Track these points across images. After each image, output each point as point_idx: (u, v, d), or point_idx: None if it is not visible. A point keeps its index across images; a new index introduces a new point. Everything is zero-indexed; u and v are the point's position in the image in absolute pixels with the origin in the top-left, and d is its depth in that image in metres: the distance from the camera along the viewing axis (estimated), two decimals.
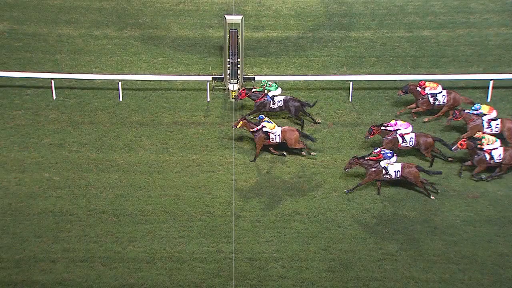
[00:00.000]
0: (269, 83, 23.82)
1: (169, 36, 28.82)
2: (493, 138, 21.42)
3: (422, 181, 20.69)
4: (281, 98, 23.65)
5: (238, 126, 22.26)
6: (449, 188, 21.10)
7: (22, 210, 20.15)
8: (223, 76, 25.71)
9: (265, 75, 26.07)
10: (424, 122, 23.75)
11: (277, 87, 23.81)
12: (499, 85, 25.29)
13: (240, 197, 20.75)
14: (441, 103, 23.77)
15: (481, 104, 22.86)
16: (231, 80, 25.20)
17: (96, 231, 19.43)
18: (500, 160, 21.22)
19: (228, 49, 25.25)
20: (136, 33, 29.00)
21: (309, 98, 25.14)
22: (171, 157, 22.38)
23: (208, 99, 25.17)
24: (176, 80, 25.97)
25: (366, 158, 20.79)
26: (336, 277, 18.07)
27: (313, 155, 22.29)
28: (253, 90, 23.82)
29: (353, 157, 20.88)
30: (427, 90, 23.72)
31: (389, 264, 18.46)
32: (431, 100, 23.74)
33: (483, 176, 21.38)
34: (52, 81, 25.16)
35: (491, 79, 24.97)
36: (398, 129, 21.99)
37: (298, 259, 18.59)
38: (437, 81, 24.03)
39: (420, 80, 24.06)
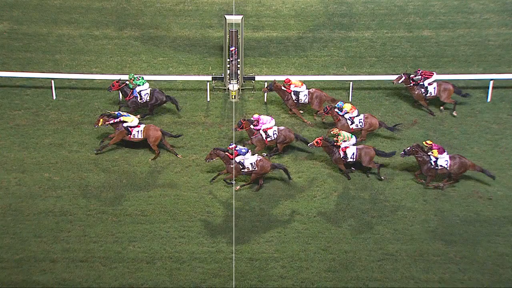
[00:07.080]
0: (137, 77, 23.87)
1: (169, 36, 28.82)
2: (349, 135, 21.44)
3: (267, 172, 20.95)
4: (148, 91, 23.76)
5: (99, 125, 22.10)
6: (449, 188, 21.10)
7: (22, 210, 20.14)
8: (223, 76, 25.71)
9: (265, 75, 26.10)
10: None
11: (144, 82, 23.83)
12: (499, 85, 25.30)
13: (240, 197, 20.74)
14: (303, 101, 23.78)
15: (344, 103, 22.90)
16: (231, 80, 25.20)
17: (96, 231, 19.42)
18: (353, 160, 21.24)
19: (228, 49, 25.24)
20: (136, 33, 28.99)
21: None
22: (171, 157, 22.37)
23: (208, 99, 25.18)
24: (176, 80, 25.98)
25: (226, 153, 20.84)
26: (336, 277, 18.07)
27: (179, 157, 22.21)
28: (127, 82, 23.77)
29: (214, 149, 21.00)
30: (292, 88, 23.72)
31: (389, 264, 18.46)
32: (293, 97, 23.71)
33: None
34: (52, 81, 25.16)
35: (491, 79, 24.98)
36: (263, 124, 22.01)
37: (298, 259, 18.59)
38: (302, 81, 24.02)
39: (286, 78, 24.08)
